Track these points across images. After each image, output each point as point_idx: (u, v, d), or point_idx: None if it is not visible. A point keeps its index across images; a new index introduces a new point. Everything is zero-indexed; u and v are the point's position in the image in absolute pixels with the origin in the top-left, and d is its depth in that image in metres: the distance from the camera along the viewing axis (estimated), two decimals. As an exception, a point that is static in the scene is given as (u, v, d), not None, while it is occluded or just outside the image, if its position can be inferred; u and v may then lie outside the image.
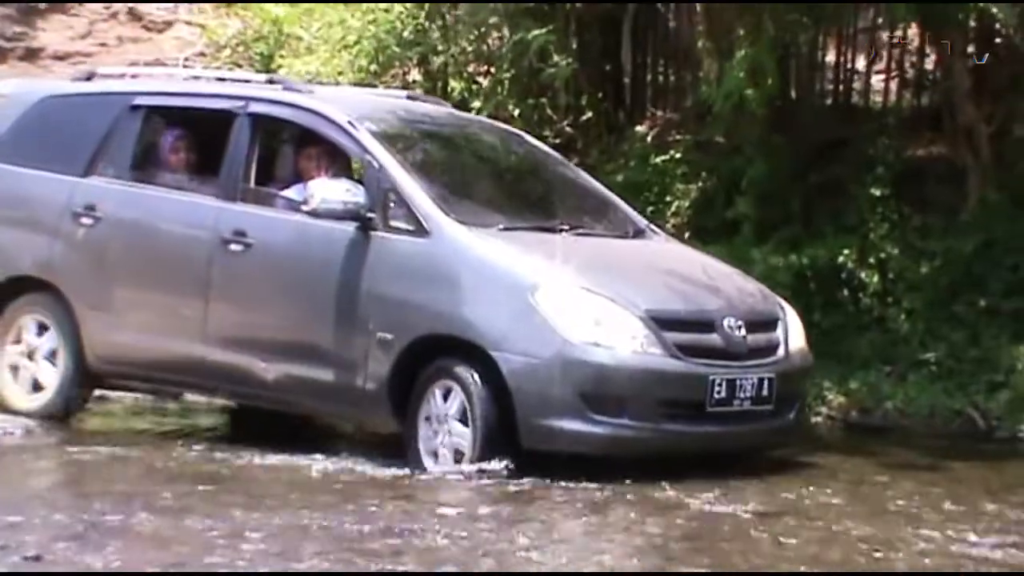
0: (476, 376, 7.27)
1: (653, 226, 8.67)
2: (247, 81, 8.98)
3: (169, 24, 15.29)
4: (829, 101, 11.76)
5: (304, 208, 7.79)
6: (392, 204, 7.67)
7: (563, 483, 6.96)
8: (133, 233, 8.40)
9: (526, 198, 8.66)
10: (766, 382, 7.55)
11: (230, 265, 8.04)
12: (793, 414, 7.83)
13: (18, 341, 8.56)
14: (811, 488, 7.20)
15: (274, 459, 7.56)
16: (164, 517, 6.22)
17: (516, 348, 7.27)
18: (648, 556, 5.77)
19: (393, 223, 7.65)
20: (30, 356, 8.53)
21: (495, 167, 8.84)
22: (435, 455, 7.38)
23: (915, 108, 11.46)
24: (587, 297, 7.34)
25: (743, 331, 7.56)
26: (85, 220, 8.47)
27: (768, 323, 7.85)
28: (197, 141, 8.46)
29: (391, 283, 7.59)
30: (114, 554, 5.57)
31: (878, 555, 5.94)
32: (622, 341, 7.26)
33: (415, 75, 12.79)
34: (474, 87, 12.25)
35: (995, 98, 10.61)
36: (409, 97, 9.35)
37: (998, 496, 7.24)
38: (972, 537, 6.32)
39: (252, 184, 8.11)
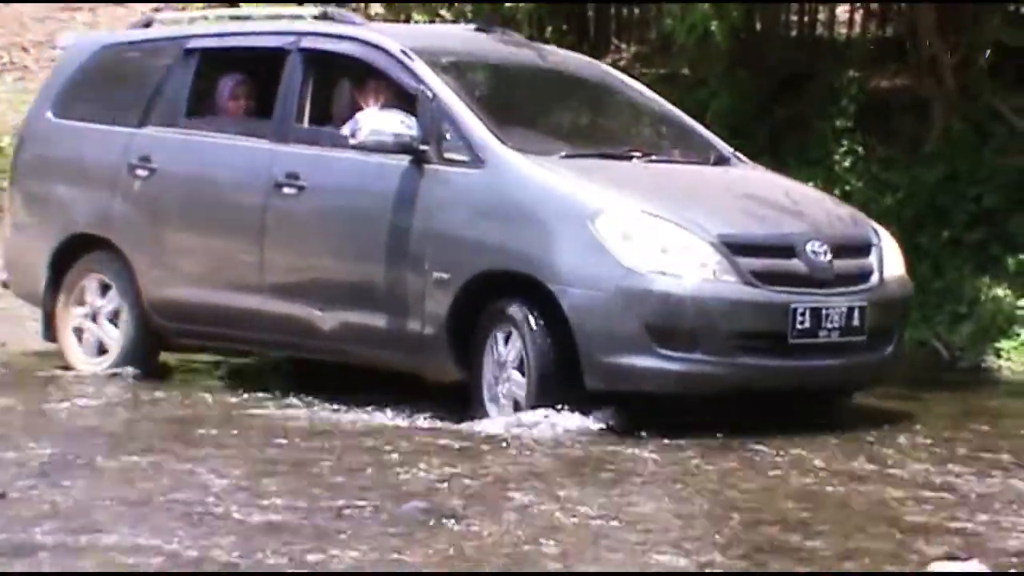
0: (531, 314, 6.94)
1: (739, 155, 8.21)
2: (299, 17, 8.62)
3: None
4: (794, 33, 11.80)
5: (352, 141, 7.44)
6: (447, 135, 7.34)
7: (571, 428, 6.80)
8: (187, 182, 8.15)
9: (595, 126, 8.34)
10: (856, 311, 7.08)
11: (284, 210, 7.77)
12: (891, 348, 7.35)
13: (81, 303, 8.31)
14: (775, 417, 7.25)
15: (281, 406, 7.47)
16: (134, 456, 6.27)
17: (577, 280, 6.90)
18: (594, 498, 5.78)
19: (448, 155, 7.32)
20: (93, 318, 8.30)
21: (563, 96, 8.47)
22: (497, 403, 7.07)
23: (880, 39, 11.50)
24: (652, 223, 6.93)
25: (828, 256, 7.07)
26: (140, 172, 8.22)
27: (859, 248, 7.37)
28: (255, 85, 8.21)
29: (445, 218, 7.28)
30: (78, 491, 5.63)
31: (837, 485, 6.05)
32: (691, 268, 6.85)
33: (377, 8, 12.77)
34: (437, 19, 12.22)
35: (959, 29, 10.64)
36: (477, 29, 8.93)
37: (961, 425, 7.35)
38: (932, 466, 6.44)
39: (306, 124, 7.83)
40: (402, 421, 7.13)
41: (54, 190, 8.56)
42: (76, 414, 7.31)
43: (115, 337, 8.23)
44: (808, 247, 7.03)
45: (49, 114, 8.72)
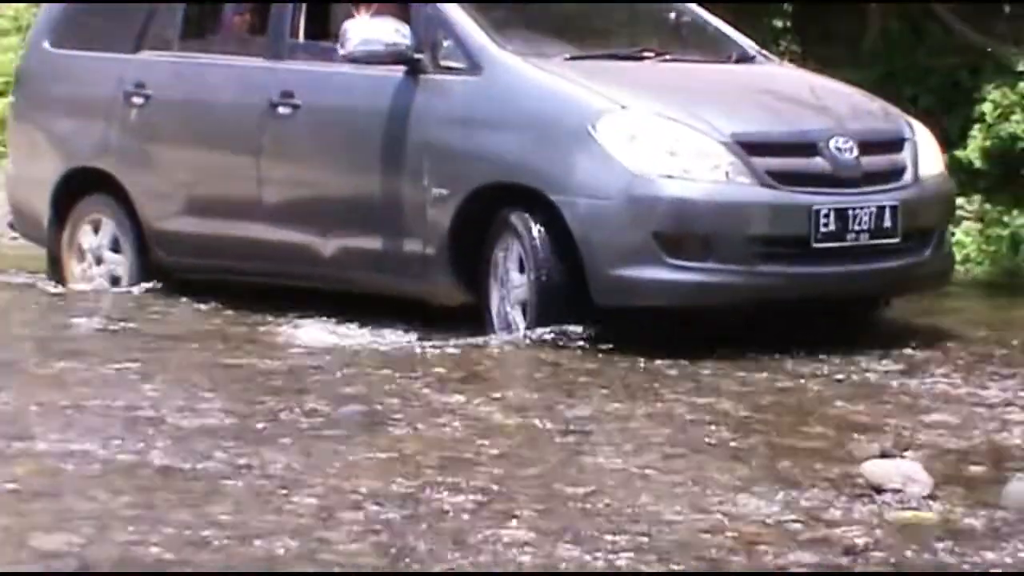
0: (534, 227, 6.71)
1: (766, 53, 8.01)
2: None
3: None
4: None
5: (342, 52, 7.23)
6: (443, 42, 7.16)
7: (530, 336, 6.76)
8: (182, 108, 8.04)
9: (605, 27, 8.03)
10: (888, 211, 6.77)
11: (280, 131, 7.63)
12: (930, 250, 7.03)
13: (85, 243, 8.21)
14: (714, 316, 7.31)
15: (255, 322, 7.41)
16: (72, 361, 6.37)
17: (580, 189, 6.69)
18: (536, 402, 5.95)
19: (444, 63, 7.15)
20: (97, 260, 8.20)
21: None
22: (507, 325, 6.86)
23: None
24: (658, 123, 6.72)
25: (855, 152, 6.78)
26: (136, 100, 8.09)
27: (890, 144, 7.07)
28: (250, 3, 8.07)
29: (443, 130, 7.10)
30: (11, 397, 5.78)
31: (775, 385, 6.20)
32: (702, 171, 6.62)
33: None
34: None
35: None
36: None
37: (895, 324, 7.53)
38: (868, 365, 6.59)
39: (301, 39, 7.64)
40: (375, 338, 7.03)
41: (53, 124, 8.44)
42: (12, 321, 7.48)
43: (120, 276, 8.12)
44: (832, 143, 6.77)
45: (46, 44, 8.57)
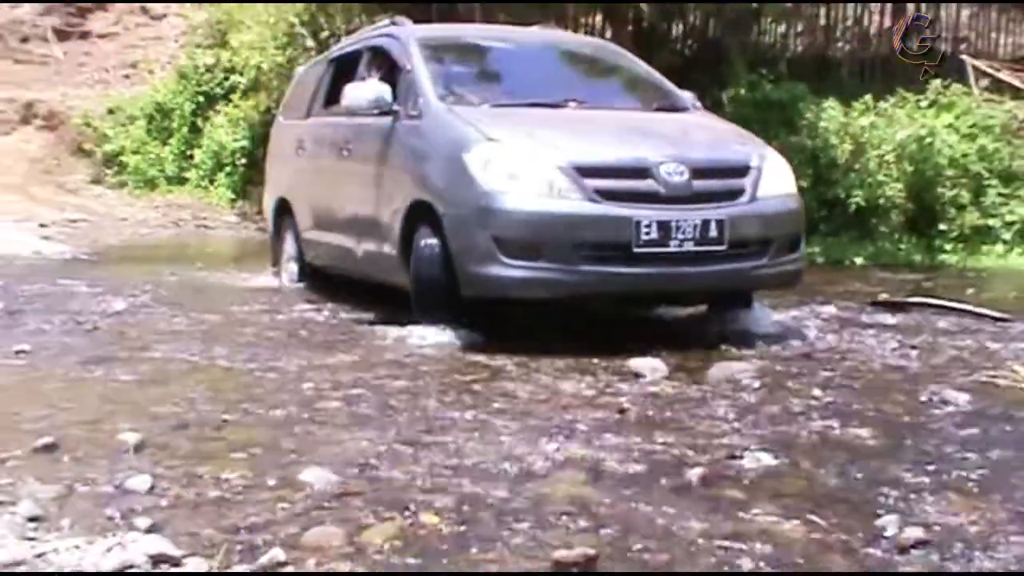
0: (427, 236, 7.50)
1: (698, 104, 8.59)
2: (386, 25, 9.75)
3: (164, 15, 22.93)
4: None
5: (341, 107, 8.78)
6: (413, 98, 8.13)
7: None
8: (312, 155, 9.93)
9: (551, 84, 8.64)
10: (714, 224, 7.13)
11: (343, 168, 9.10)
12: (768, 256, 7.38)
13: (287, 244, 10.77)
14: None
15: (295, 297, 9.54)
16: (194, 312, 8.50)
17: (452, 204, 7.37)
18: (385, 361, 6.96)
19: (411, 112, 8.10)
20: (288, 259, 10.73)
21: (545, 66, 8.99)
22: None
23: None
24: (509, 153, 7.24)
25: (685, 176, 7.12)
26: (300, 151, 10.25)
27: (730, 170, 7.43)
28: (353, 77, 9.44)
29: (401, 161, 8.05)
30: (143, 324, 7.91)
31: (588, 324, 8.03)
32: (537, 189, 7.09)
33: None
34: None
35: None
36: (533, 22, 11.25)
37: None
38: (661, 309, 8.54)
39: None
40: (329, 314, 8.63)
41: (276, 166, 11.14)
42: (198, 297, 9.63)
43: (295, 269, 10.72)
44: (663, 169, 7.18)
45: (281, 117, 11.39)
